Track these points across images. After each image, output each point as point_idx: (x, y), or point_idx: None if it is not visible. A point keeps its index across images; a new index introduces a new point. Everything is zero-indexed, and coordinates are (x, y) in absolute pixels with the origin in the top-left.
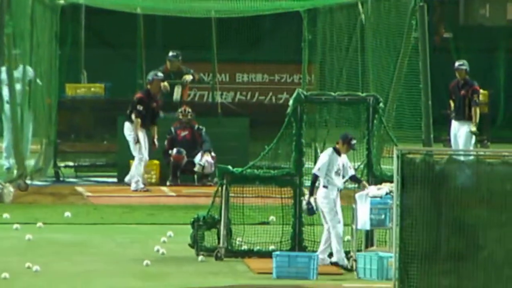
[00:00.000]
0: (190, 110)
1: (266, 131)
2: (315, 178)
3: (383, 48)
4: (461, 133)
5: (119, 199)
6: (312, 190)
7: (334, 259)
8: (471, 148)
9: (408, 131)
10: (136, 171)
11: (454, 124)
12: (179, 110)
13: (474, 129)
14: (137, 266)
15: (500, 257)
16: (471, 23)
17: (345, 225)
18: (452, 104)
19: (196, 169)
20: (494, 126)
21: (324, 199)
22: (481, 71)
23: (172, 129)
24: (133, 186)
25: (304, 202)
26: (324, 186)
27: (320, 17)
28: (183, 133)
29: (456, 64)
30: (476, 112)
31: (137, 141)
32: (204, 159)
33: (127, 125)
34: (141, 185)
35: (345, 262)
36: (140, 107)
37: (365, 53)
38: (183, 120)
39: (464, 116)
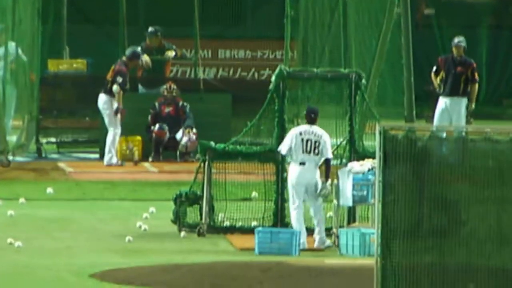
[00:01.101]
0: (175, 86)
1: (248, 107)
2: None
3: (365, 24)
4: (455, 109)
5: (101, 175)
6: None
7: (317, 244)
8: (464, 124)
9: (391, 108)
10: (113, 146)
11: (445, 100)
12: (164, 86)
13: (471, 105)
14: (119, 242)
15: (482, 233)
16: None
17: (327, 201)
18: (437, 79)
19: (179, 149)
20: (476, 102)
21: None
22: None
23: (156, 104)
24: (106, 161)
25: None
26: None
27: None
28: (167, 109)
29: (456, 40)
30: (476, 89)
31: (116, 112)
32: (186, 138)
33: (102, 97)
34: (115, 159)
35: (327, 242)
36: (119, 79)
37: (348, 29)
38: (168, 97)
39: (458, 92)
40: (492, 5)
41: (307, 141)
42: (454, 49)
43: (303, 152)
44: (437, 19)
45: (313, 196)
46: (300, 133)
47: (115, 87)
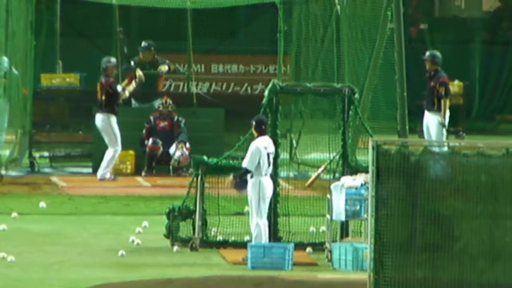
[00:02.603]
0: (170, 101)
1: (241, 122)
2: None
3: (358, 39)
4: (432, 124)
5: (94, 190)
6: None
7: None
8: (443, 139)
9: (384, 122)
10: (111, 162)
11: (426, 114)
12: (160, 101)
13: (442, 120)
14: (112, 256)
15: (475, 249)
16: (446, 15)
17: (320, 215)
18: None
19: (171, 163)
20: (469, 117)
21: None
22: (456, 62)
23: (152, 118)
24: (100, 175)
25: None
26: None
27: (296, 8)
28: (163, 124)
29: (425, 55)
30: (446, 104)
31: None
32: (179, 153)
33: (99, 116)
34: (108, 174)
35: None
36: (119, 87)
37: (341, 44)
38: (163, 112)
39: (432, 107)
40: (485, 21)
41: (268, 154)
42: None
43: (268, 165)
44: (430, 34)
45: None
46: (265, 148)
47: (120, 92)
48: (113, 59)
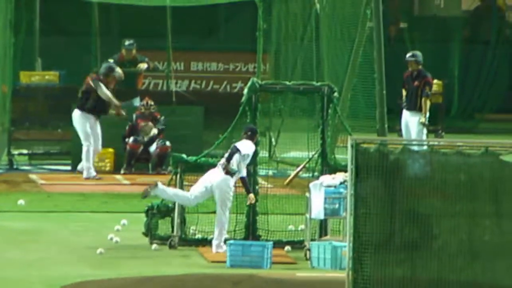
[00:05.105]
0: (152, 102)
1: (220, 120)
2: None
3: (338, 38)
4: (412, 123)
5: (73, 187)
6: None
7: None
8: (424, 138)
9: (363, 121)
10: (88, 159)
11: (405, 114)
12: (141, 103)
13: (423, 120)
14: (91, 254)
15: (453, 247)
16: (425, 14)
17: (299, 214)
18: (404, 94)
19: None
20: (448, 116)
21: None
22: (435, 61)
23: (134, 116)
24: (85, 174)
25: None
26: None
27: (275, 6)
28: (144, 124)
29: (407, 55)
30: (426, 103)
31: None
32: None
33: (78, 113)
34: (93, 173)
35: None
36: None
37: (320, 43)
38: (145, 113)
39: (415, 107)
40: (464, 19)
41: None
42: (408, 65)
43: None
44: (409, 33)
45: None
46: None
47: (102, 89)
48: (119, 70)
